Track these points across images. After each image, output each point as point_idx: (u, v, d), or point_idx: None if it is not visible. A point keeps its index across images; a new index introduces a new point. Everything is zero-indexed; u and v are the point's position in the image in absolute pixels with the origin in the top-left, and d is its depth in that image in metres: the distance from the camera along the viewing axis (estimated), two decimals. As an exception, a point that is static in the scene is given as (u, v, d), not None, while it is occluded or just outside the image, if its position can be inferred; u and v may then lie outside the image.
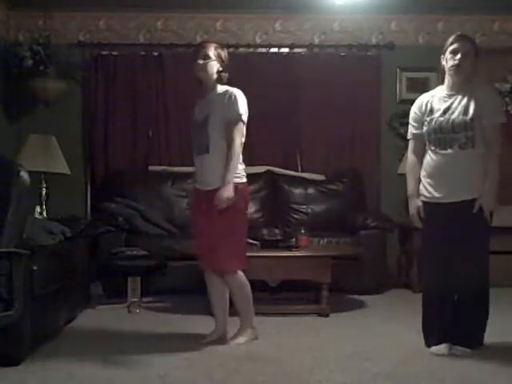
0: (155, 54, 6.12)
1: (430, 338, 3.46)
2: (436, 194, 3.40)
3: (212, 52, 3.53)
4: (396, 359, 3.33)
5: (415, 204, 3.51)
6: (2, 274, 2.91)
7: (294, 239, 4.64)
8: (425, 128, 3.44)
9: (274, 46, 6.21)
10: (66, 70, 5.81)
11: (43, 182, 5.62)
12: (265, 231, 4.76)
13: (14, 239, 3.04)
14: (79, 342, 3.73)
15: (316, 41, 6.25)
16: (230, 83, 3.48)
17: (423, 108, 3.48)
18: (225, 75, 3.58)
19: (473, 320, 3.44)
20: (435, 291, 3.45)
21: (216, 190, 3.43)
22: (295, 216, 5.83)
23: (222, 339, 3.63)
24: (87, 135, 6.11)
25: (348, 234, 5.34)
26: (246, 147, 6.00)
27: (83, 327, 4.10)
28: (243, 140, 3.58)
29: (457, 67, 3.35)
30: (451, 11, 6.12)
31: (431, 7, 6.04)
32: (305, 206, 5.86)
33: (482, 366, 3.20)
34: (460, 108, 3.35)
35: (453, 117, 3.34)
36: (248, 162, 5.97)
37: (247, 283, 3.63)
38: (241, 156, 3.56)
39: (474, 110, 3.32)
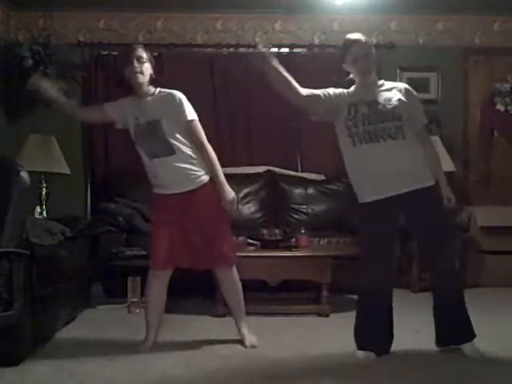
0: (155, 54, 6.09)
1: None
2: (376, 192, 3.28)
3: (144, 54, 3.51)
4: (396, 359, 3.33)
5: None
6: (1, 274, 2.91)
7: (293, 239, 4.64)
8: (347, 122, 3.29)
9: (274, 46, 6.19)
10: (66, 69, 5.80)
11: (43, 182, 5.61)
12: (265, 231, 4.76)
13: (14, 239, 3.05)
14: (79, 342, 3.73)
15: (316, 41, 6.25)
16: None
17: (344, 95, 3.37)
18: (153, 77, 3.56)
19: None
20: (374, 293, 3.36)
21: (195, 190, 3.47)
22: (295, 216, 5.82)
23: None
24: (87, 135, 6.11)
25: (348, 233, 5.32)
26: (246, 147, 6.12)
27: (83, 327, 4.10)
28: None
29: (365, 72, 3.37)
30: (451, 11, 6.12)
31: (431, 7, 6.04)
32: (305, 206, 5.85)
33: (479, 366, 3.19)
34: (383, 100, 3.31)
35: (379, 107, 3.30)
36: (248, 162, 6.08)
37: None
38: None
39: (400, 105, 3.30)
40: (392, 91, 3.39)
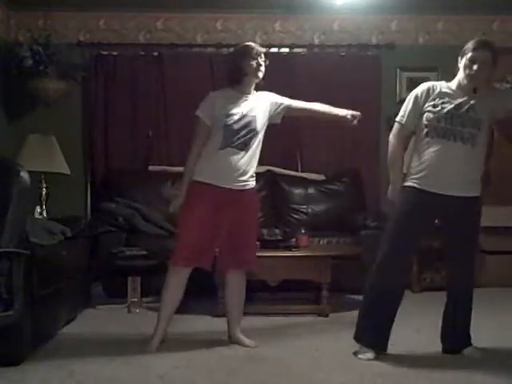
0: (155, 54, 6.12)
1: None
2: (431, 184, 3.32)
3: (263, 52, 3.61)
4: (396, 359, 3.33)
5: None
6: (2, 274, 2.91)
7: (293, 239, 4.63)
8: (429, 114, 3.33)
9: (274, 46, 6.20)
10: (66, 70, 5.81)
11: (43, 181, 5.62)
12: (265, 231, 4.75)
13: (14, 239, 3.04)
14: (79, 341, 3.73)
15: (316, 41, 6.25)
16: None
17: (430, 92, 3.38)
18: None
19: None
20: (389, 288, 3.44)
21: (247, 190, 3.55)
22: (295, 216, 5.82)
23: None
24: (87, 135, 6.11)
25: (348, 233, 5.33)
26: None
27: (83, 327, 4.10)
28: None
29: (472, 77, 3.36)
30: (451, 11, 6.12)
31: (431, 7, 6.04)
32: (305, 206, 5.86)
33: (480, 365, 3.20)
34: (471, 106, 3.34)
35: (462, 111, 3.32)
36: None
37: None
38: None
39: (486, 111, 3.35)
40: (484, 99, 3.39)
